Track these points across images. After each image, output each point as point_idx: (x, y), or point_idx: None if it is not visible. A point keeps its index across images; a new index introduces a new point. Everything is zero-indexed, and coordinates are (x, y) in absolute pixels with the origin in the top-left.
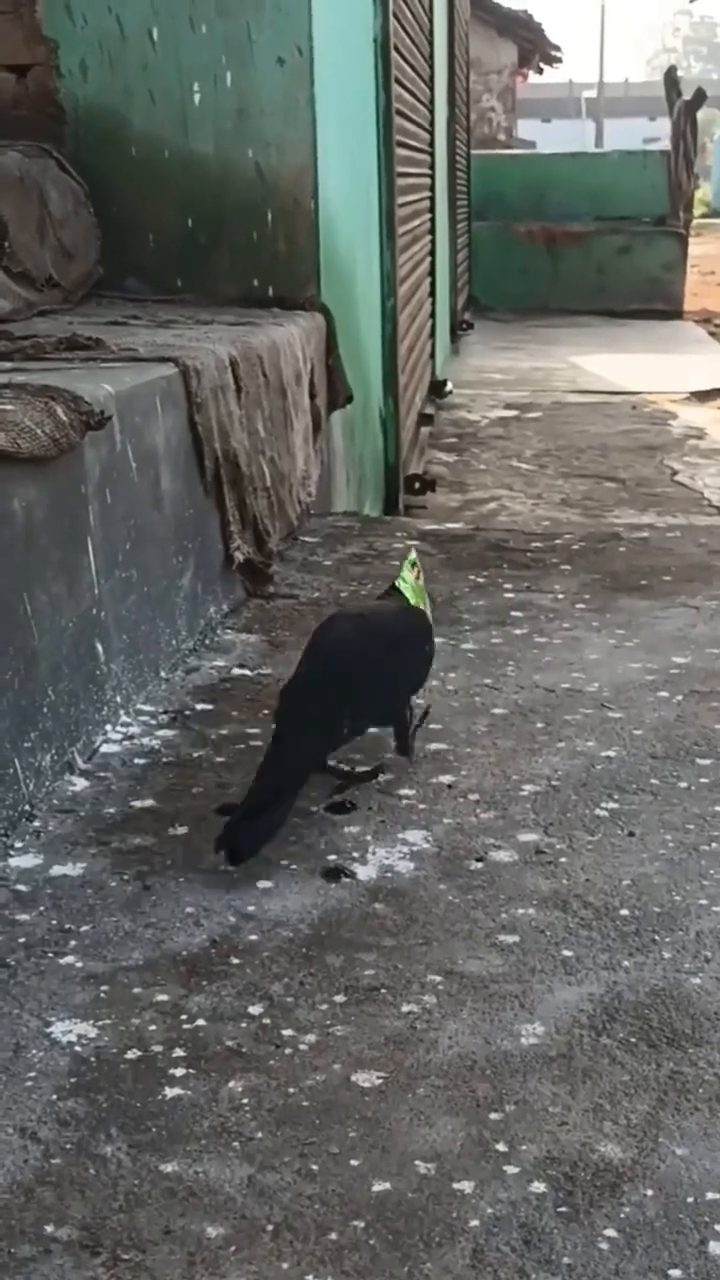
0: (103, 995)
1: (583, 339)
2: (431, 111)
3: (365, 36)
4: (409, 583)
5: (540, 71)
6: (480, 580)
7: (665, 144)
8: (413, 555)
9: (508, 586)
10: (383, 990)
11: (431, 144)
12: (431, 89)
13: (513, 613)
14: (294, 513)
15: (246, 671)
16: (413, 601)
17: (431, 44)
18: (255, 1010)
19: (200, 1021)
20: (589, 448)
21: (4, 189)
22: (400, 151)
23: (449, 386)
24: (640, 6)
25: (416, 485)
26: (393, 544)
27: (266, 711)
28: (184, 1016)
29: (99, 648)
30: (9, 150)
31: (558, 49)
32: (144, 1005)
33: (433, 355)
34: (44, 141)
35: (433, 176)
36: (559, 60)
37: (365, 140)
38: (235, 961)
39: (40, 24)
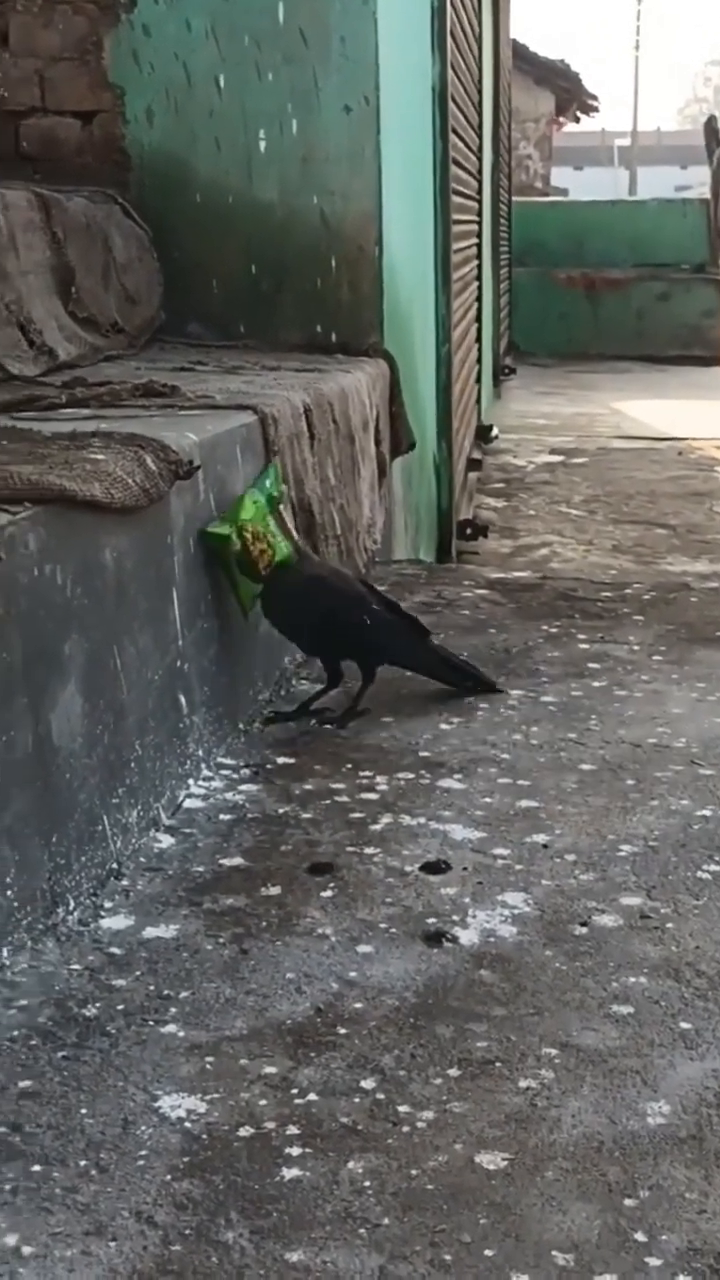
0: (208, 1067)
1: (624, 384)
2: (480, 159)
3: (424, 85)
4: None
5: (577, 120)
6: (553, 630)
7: (698, 192)
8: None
9: (581, 637)
10: (497, 1064)
11: (479, 191)
12: (480, 137)
13: (590, 664)
14: (361, 560)
15: (326, 725)
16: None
17: (480, 93)
18: (367, 1084)
19: (312, 1096)
20: (637, 493)
21: (71, 235)
22: (454, 199)
23: (495, 431)
24: (672, 56)
25: (468, 531)
26: (460, 592)
27: (349, 766)
28: (294, 1090)
29: (182, 700)
30: (75, 196)
31: (594, 98)
32: (252, 1078)
33: (478, 400)
34: (109, 187)
35: (480, 223)
36: (595, 109)
37: (424, 188)
38: (342, 1031)
39: (107, 70)
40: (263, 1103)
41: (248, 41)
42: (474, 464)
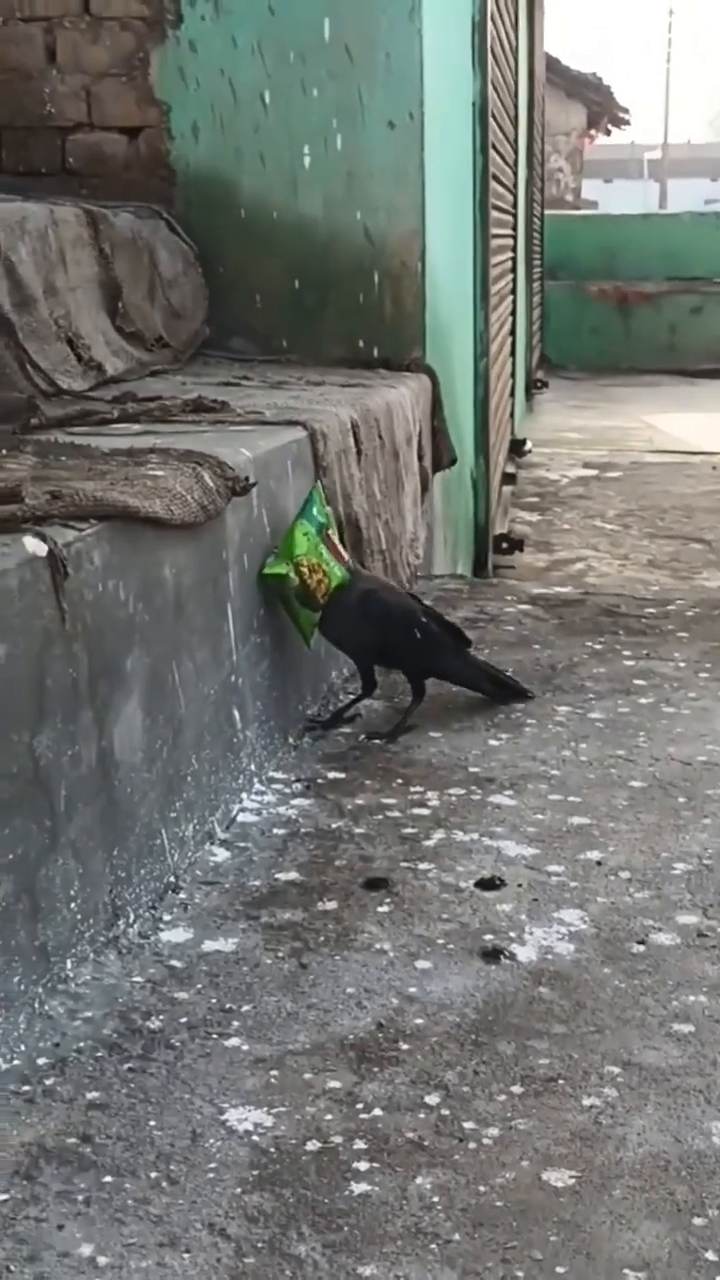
0: (273, 1081)
1: (656, 398)
2: (515, 173)
3: (465, 100)
4: (331, 566)
5: (608, 133)
6: (597, 646)
7: None
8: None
9: (626, 653)
10: (560, 1081)
11: (515, 205)
12: (515, 151)
13: (636, 681)
14: (404, 576)
15: (375, 739)
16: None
17: (516, 107)
18: (432, 1100)
19: (377, 1111)
20: (672, 508)
21: (118, 250)
22: (492, 214)
23: (528, 445)
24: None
25: (504, 545)
26: (503, 608)
27: (400, 781)
28: (359, 1105)
29: (236, 715)
30: (121, 211)
31: (626, 111)
32: (317, 1092)
33: (511, 414)
34: (154, 202)
35: (515, 237)
36: (627, 122)
37: (464, 202)
38: (404, 1047)
39: (153, 87)
40: (329, 1117)
41: (293, 58)
42: (508, 478)
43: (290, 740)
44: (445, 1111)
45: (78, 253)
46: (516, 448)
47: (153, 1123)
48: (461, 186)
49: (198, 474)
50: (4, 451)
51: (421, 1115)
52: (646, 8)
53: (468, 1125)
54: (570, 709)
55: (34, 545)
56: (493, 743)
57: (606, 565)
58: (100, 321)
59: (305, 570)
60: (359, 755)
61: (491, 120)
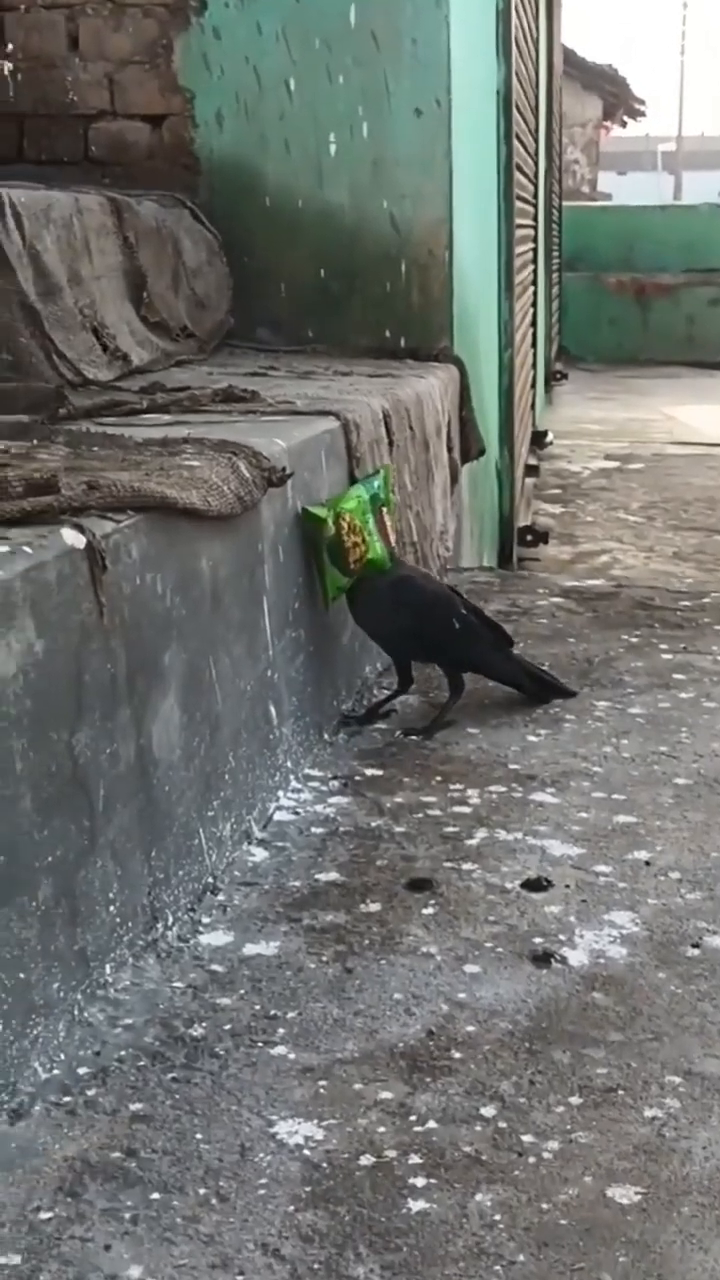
0: (322, 1091)
1: (675, 390)
2: (536, 164)
3: (489, 89)
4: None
5: (624, 125)
6: (634, 640)
7: None
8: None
9: (664, 647)
10: (620, 1091)
11: (535, 196)
12: (536, 142)
13: (675, 675)
14: (435, 568)
15: (411, 735)
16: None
17: (537, 98)
18: (488, 1112)
19: (431, 1124)
20: (695, 500)
21: (142, 239)
22: (516, 204)
23: (550, 437)
24: (716, 60)
25: (528, 537)
26: (535, 600)
27: (439, 778)
28: (413, 1117)
29: (272, 711)
30: (145, 200)
31: (642, 102)
32: (368, 1104)
33: (532, 406)
34: (178, 191)
35: (535, 228)
36: (643, 114)
37: (489, 192)
38: (456, 1055)
39: (177, 74)
40: (381, 1130)
41: (319, 44)
42: (531, 469)
43: (325, 736)
44: (502, 1124)
45: (102, 241)
46: (538, 439)
47: (199, 1135)
48: (486, 175)
49: (233, 464)
50: (35, 442)
51: (478, 1128)
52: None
53: (526, 1138)
54: (609, 704)
55: (72, 537)
56: (532, 739)
57: (632, 558)
58: (125, 311)
59: (345, 527)
60: (396, 751)
61: (515, 110)
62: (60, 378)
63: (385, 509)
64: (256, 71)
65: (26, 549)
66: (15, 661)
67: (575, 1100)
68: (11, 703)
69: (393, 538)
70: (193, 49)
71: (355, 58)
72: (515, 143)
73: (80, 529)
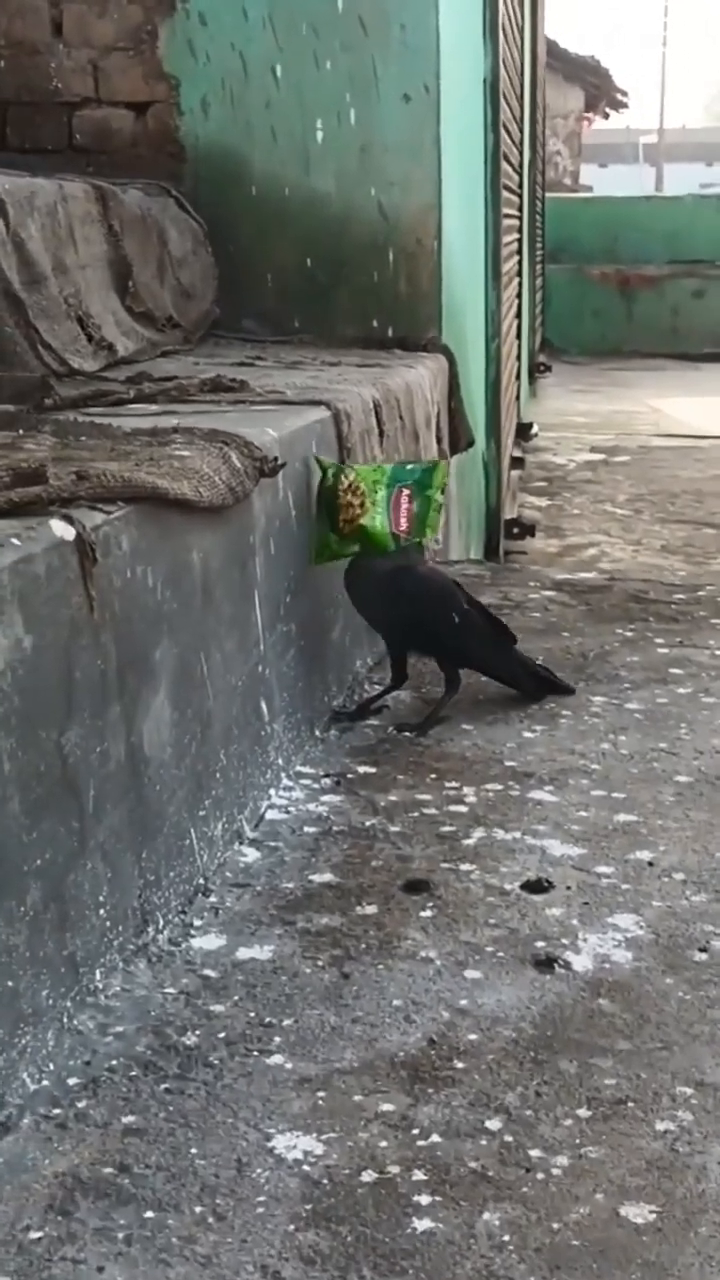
0: (321, 1103)
1: (659, 382)
2: (521, 154)
3: (477, 77)
4: (376, 513)
5: (606, 116)
6: (628, 634)
7: None
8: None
9: (659, 641)
10: (630, 1104)
11: (520, 186)
12: (521, 132)
13: (671, 670)
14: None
15: (405, 733)
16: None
17: (522, 86)
18: (493, 1125)
19: (435, 1138)
20: (682, 492)
21: (127, 228)
22: (502, 193)
23: (535, 429)
24: (697, 53)
25: (515, 530)
26: (528, 594)
27: (434, 776)
28: (415, 1131)
29: (263, 707)
30: (130, 188)
31: (624, 94)
32: (369, 1116)
33: (517, 397)
34: (163, 179)
35: (520, 218)
36: (625, 105)
37: (476, 180)
38: (459, 1065)
39: (161, 61)
40: (383, 1144)
41: (306, 30)
42: (516, 462)
43: (317, 733)
44: (508, 1138)
45: (87, 230)
46: (523, 431)
47: (194, 1150)
48: (474, 163)
49: (224, 454)
50: (21, 432)
51: (483, 1142)
52: None
53: (534, 1153)
54: (606, 699)
55: (61, 529)
56: (528, 735)
57: (620, 550)
58: (110, 301)
59: (344, 484)
60: (389, 748)
61: (501, 98)
62: (45, 368)
63: (413, 497)
64: (243, 58)
65: (15, 541)
66: (3, 658)
67: (584, 1113)
68: (0, 701)
69: (405, 525)
70: (178, 35)
71: (343, 43)
72: (502, 131)
73: (69, 520)
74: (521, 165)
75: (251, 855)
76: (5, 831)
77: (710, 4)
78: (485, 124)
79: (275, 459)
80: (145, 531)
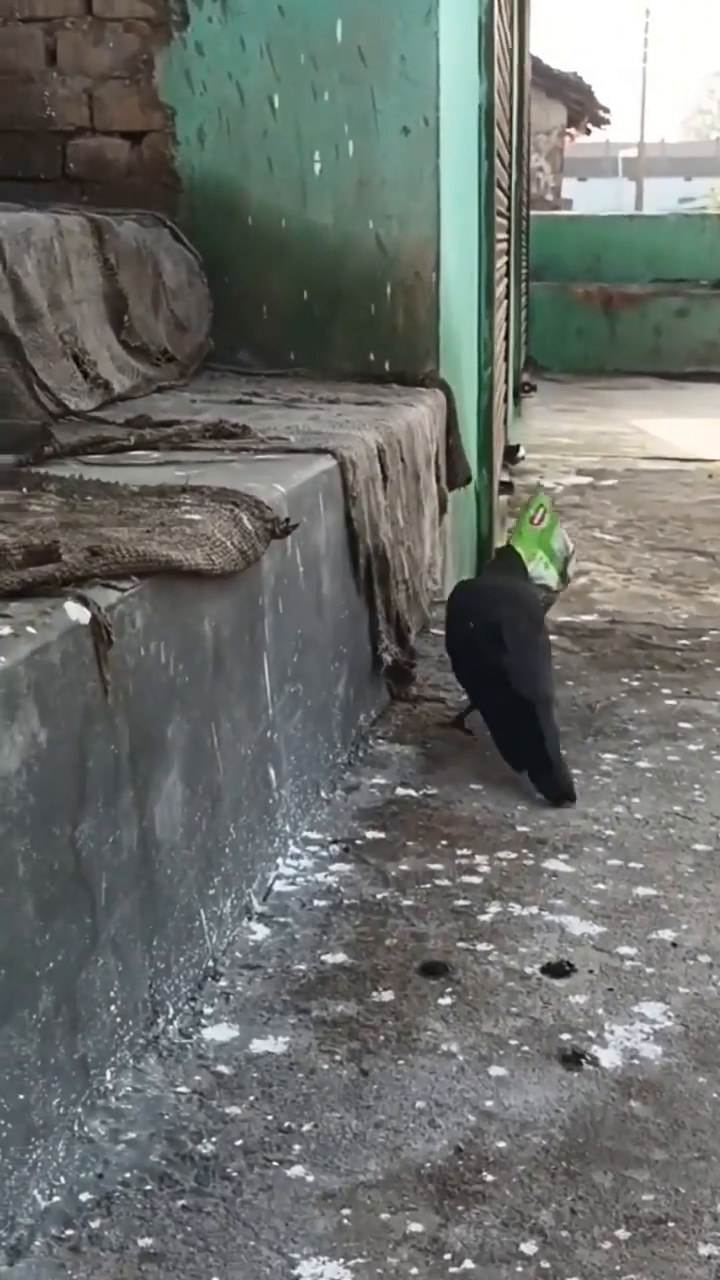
0: (346, 1223)
1: (643, 402)
2: (511, 177)
3: (473, 106)
4: (527, 533)
5: (588, 132)
6: (634, 684)
7: (702, 204)
8: (541, 497)
9: (666, 691)
10: (670, 1224)
11: (510, 209)
12: (511, 155)
13: (680, 724)
14: (425, 603)
15: (411, 791)
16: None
17: (512, 110)
18: (528, 1249)
19: (468, 1263)
20: (671, 519)
21: (123, 260)
22: (495, 220)
23: (521, 452)
24: (675, 68)
25: None
26: None
27: (444, 843)
28: (448, 1255)
29: (271, 773)
30: (124, 219)
31: (606, 110)
32: (397, 1238)
33: (504, 420)
34: (157, 210)
35: (510, 241)
36: (607, 121)
37: (471, 209)
38: (489, 1178)
39: (157, 90)
40: (414, 1270)
41: (304, 60)
42: (504, 486)
43: (323, 794)
44: (545, 1263)
45: (83, 264)
46: (510, 454)
47: (216, 1279)
48: (470, 193)
49: (235, 516)
50: (25, 490)
51: (519, 1268)
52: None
53: None
54: (616, 757)
55: (76, 612)
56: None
57: (611, 579)
58: (105, 336)
59: (542, 510)
60: (396, 810)
61: (495, 125)
62: (42, 409)
63: (540, 525)
64: (240, 88)
65: (30, 629)
66: (19, 756)
67: (622, 1234)
68: (14, 801)
69: (533, 564)
70: (174, 65)
71: (342, 75)
72: (496, 158)
73: (84, 601)
74: (510, 187)
75: (261, 933)
76: (18, 938)
77: (689, 22)
78: (480, 153)
79: (287, 519)
80: (158, 606)
